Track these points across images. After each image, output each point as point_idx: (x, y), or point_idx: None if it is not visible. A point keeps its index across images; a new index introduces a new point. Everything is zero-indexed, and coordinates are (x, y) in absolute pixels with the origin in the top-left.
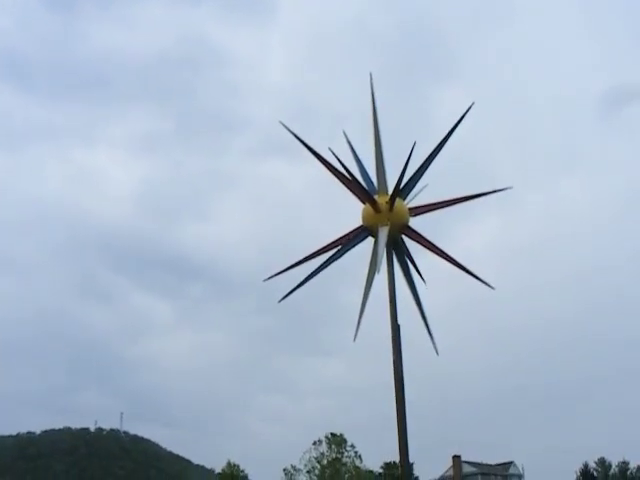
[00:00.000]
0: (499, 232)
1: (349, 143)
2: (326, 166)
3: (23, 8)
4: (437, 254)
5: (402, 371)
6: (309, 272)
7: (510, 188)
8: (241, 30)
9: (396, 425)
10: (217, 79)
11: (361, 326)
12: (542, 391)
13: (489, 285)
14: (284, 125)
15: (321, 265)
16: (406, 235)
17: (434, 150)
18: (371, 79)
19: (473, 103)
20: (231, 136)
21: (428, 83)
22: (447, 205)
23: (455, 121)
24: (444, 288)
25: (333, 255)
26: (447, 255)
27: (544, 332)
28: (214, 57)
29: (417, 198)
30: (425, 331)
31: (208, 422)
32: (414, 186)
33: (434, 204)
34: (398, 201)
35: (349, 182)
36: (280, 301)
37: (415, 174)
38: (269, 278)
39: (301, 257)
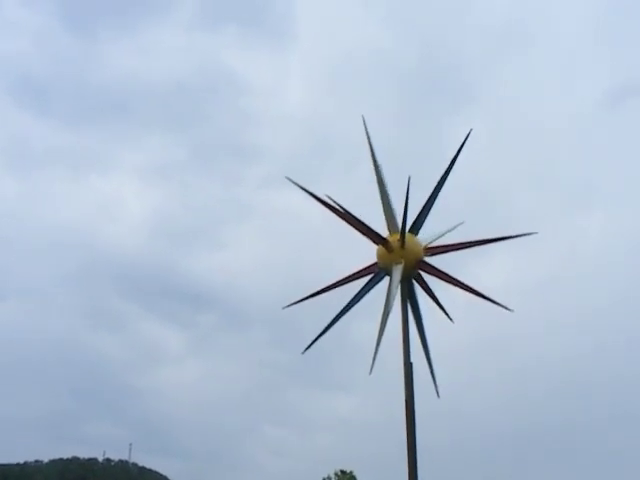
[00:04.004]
0: (518, 268)
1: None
2: (335, 212)
3: (41, 31)
4: (454, 284)
5: (414, 408)
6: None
7: (536, 233)
8: (259, 59)
9: (406, 462)
10: (234, 108)
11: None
12: (558, 430)
13: (507, 308)
14: (291, 180)
15: (342, 310)
16: (422, 270)
17: (438, 183)
18: (364, 123)
19: (471, 130)
20: (247, 165)
21: (446, 114)
22: (467, 247)
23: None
24: (463, 324)
25: (353, 299)
26: (463, 284)
27: (565, 369)
28: (231, 85)
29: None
30: (428, 371)
31: (217, 454)
32: (424, 221)
33: (453, 245)
34: (409, 237)
35: (360, 225)
36: (304, 352)
37: (423, 208)
38: (288, 306)
39: (318, 288)
